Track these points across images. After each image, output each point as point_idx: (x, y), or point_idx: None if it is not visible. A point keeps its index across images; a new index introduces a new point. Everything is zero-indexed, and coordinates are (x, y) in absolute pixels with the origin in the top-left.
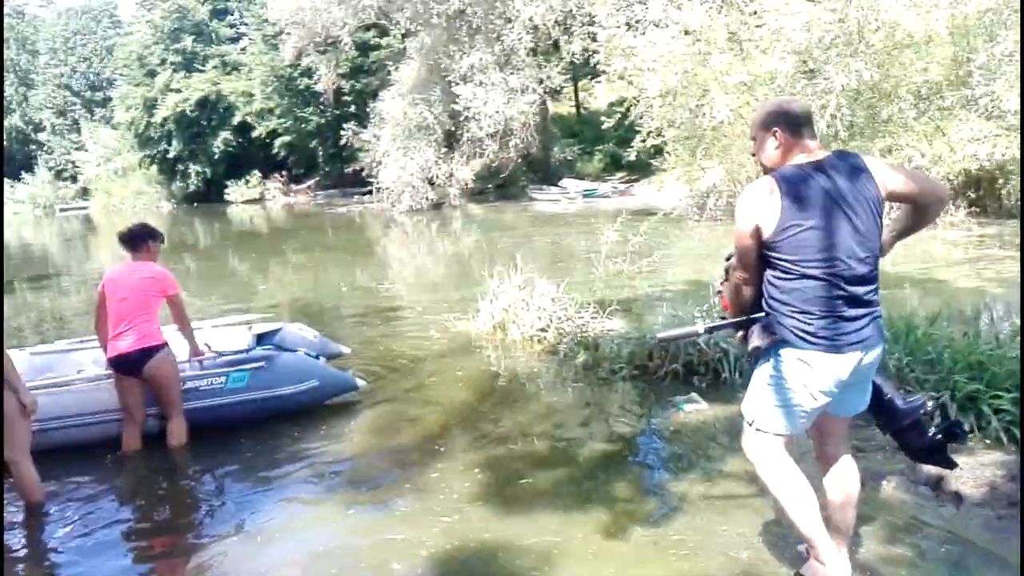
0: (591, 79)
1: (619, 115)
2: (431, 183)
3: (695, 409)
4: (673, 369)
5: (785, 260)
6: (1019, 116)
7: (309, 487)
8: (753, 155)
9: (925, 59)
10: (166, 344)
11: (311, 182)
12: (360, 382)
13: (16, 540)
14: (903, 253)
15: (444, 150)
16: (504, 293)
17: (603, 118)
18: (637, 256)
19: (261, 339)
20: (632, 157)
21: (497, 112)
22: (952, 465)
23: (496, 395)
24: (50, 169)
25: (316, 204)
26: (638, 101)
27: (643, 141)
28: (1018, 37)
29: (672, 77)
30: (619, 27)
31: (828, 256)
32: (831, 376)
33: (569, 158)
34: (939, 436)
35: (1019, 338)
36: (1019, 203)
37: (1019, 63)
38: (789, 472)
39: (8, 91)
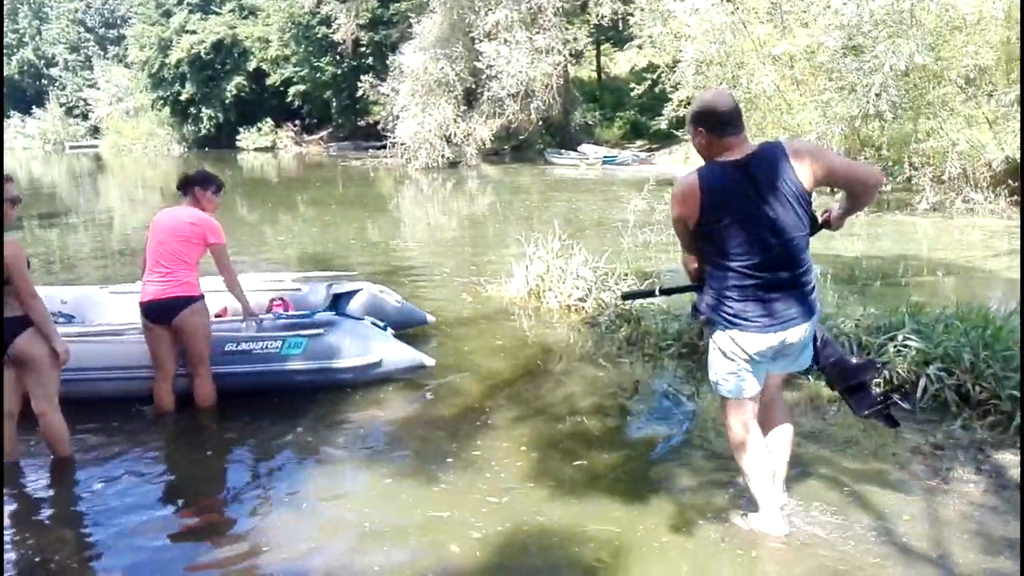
0: (614, 44)
1: (649, 82)
2: (448, 141)
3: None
4: None
5: (707, 249)
6: (1019, 115)
7: (350, 457)
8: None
9: (977, 42)
10: (201, 297)
11: (324, 133)
12: (429, 361)
13: (43, 495)
14: (941, 239)
15: (463, 108)
16: (539, 259)
17: (632, 84)
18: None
19: (338, 300)
20: (663, 125)
21: (520, 72)
22: (894, 424)
23: (538, 367)
24: (61, 105)
25: (329, 156)
26: (672, 68)
27: (675, 110)
28: None
29: (710, 46)
30: None
31: (743, 249)
32: (758, 351)
33: (590, 123)
34: (882, 397)
35: (1019, 332)
36: (1019, 199)
37: (1019, 62)
38: (749, 436)
39: (21, 23)
